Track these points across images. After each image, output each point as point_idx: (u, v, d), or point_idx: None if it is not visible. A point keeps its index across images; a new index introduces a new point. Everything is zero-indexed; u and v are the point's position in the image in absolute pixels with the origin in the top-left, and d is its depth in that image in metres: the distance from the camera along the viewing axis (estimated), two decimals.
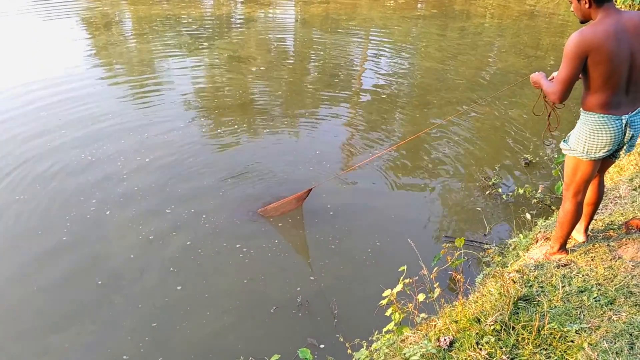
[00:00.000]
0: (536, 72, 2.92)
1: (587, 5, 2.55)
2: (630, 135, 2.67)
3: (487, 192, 5.19)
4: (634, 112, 2.63)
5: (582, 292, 2.70)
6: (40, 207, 4.83)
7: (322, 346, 3.38)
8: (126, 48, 10.67)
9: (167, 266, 4.11)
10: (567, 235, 3.09)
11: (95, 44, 10.93)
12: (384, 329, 2.82)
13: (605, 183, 3.23)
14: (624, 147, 2.77)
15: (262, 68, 9.29)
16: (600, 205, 3.56)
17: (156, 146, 6.08)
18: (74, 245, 4.35)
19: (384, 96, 8.08)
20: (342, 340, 3.15)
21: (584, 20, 2.65)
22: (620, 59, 2.49)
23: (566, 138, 2.88)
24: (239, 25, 13.21)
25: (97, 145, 6.03)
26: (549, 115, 3.21)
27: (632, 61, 2.53)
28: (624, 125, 2.62)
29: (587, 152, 2.72)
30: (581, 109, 2.71)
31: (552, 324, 2.42)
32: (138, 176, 5.40)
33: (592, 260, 3.02)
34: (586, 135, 2.70)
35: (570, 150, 2.80)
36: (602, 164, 2.91)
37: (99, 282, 3.93)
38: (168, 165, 5.67)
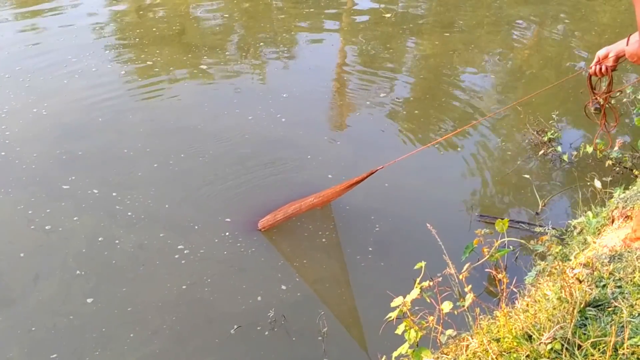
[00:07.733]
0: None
1: None
2: None
3: (541, 152, 5.18)
4: None
5: None
6: None
7: None
8: None
9: (71, 268, 4.03)
10: None
11: None
12: (395, 354, 2.78)
13: None
14: None
15: None
16: None
17: (51, 93, 6.02)
18: None
19: (388, 15, 7.97)
20: None
21: None
22: None
23: None
24: None
25: None
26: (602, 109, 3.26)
27: None
28: None
29: None
30: None
31: (635, 339, 2.40)
32: (25, 135, 5.32)
33: None
34: None
35: None
36: None
37: None
38: (68, 121, 5.61)
